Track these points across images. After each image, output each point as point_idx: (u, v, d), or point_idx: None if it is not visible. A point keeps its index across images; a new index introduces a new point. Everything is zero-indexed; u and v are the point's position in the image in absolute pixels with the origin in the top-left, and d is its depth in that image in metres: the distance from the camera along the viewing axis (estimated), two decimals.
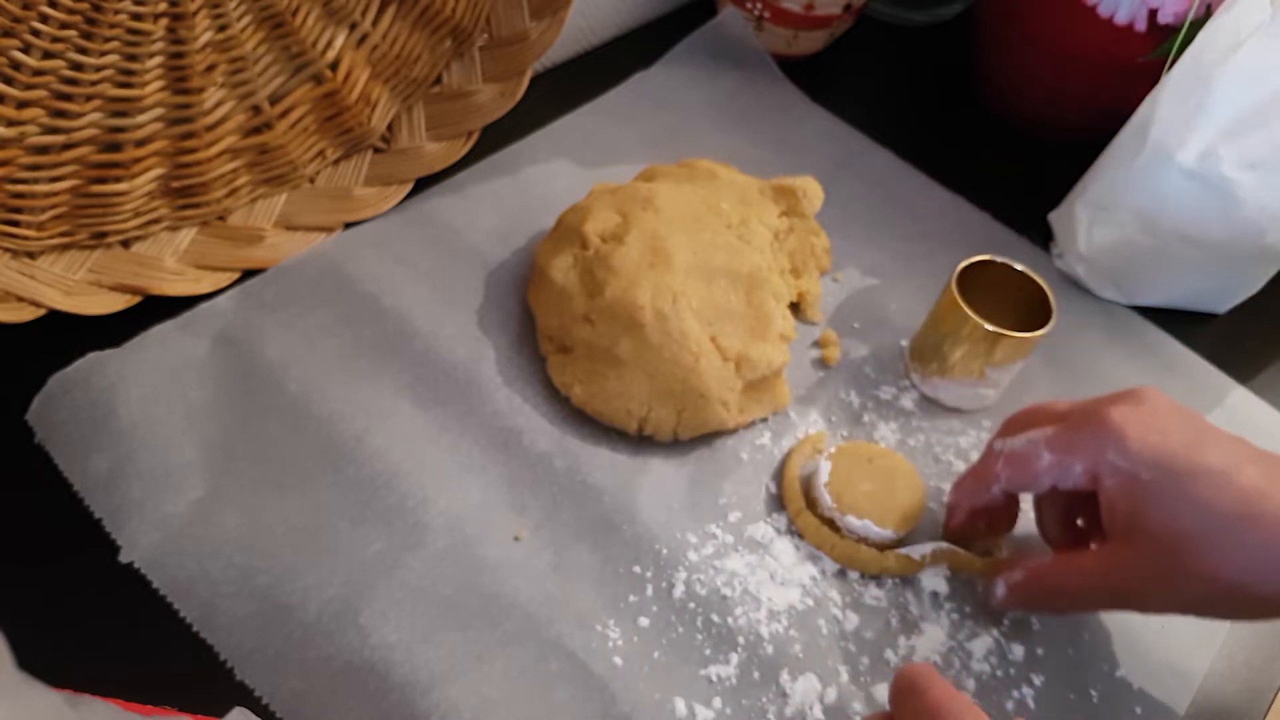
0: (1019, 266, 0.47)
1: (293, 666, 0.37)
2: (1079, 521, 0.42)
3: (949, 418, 0.49)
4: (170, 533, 0.40)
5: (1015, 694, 0.40)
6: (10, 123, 0.42)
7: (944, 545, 0.42)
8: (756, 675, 0.39)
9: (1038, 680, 0.40)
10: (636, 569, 0.41)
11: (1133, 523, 0.36)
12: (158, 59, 0.45)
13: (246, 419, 0.44)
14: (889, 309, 0.53)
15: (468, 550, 0.41)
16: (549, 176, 0.56)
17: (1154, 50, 0.54)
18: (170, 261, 0.48)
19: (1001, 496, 0.40)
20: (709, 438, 0.46)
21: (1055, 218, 0.57)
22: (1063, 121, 0.62)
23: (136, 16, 0.43)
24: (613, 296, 0.44)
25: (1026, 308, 0.47)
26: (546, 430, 0.45)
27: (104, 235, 0.47)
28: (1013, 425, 0.42)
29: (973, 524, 0.42)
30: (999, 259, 0.47)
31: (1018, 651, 0.41)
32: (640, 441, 0.46)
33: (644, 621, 0.40)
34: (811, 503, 0.44)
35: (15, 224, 0.44)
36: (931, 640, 0.41)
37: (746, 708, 0.38)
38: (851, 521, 0.42)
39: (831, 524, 0.43)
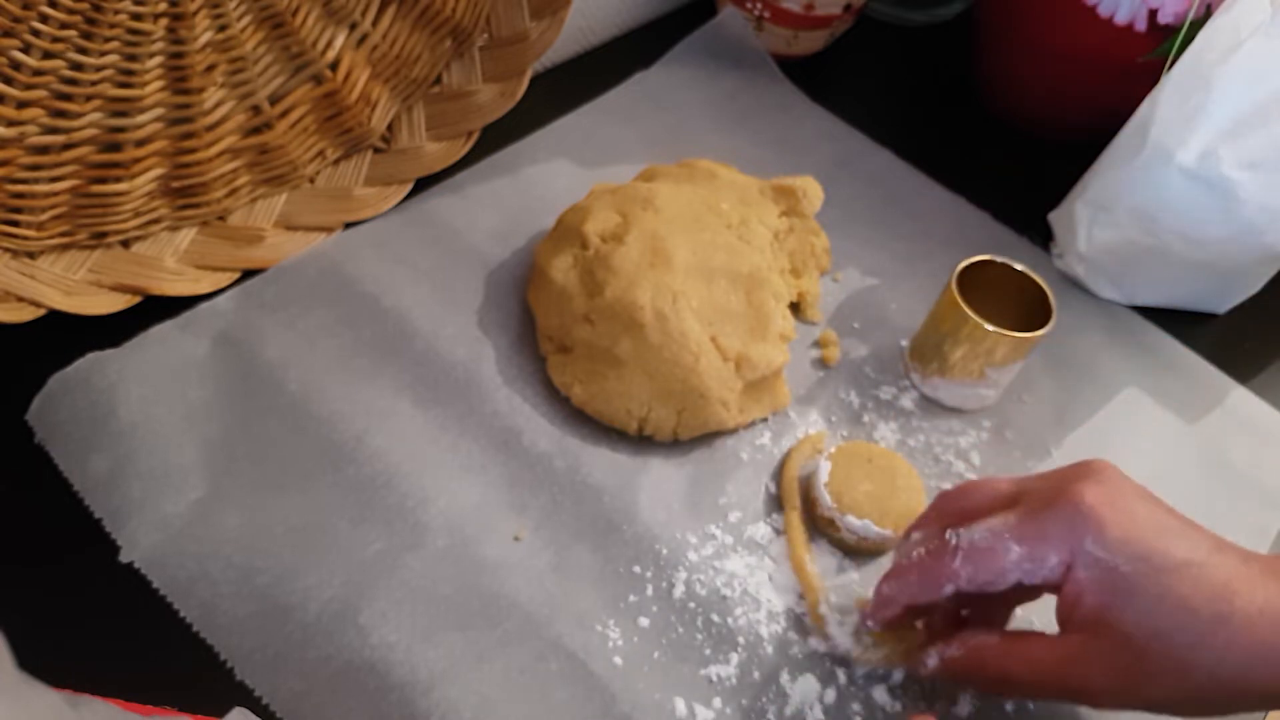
0: (1019, 266, 0.47)
1: (293, 666, 0.37)
2: (964, 613, 0.39)
3: (949, 418, 0.49)
4: (170, 533, 0.40)
5: None
6: (10, 123, 0.42)
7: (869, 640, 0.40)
8: (756, 675, 0.39)
9: None
10: (636, 569, 0.41)
11: (1102, 616, 0.33)
12: (158, 59, 0.45)
13: (246, 419, 0.44)
14: (889, 309, 0.53)
15: (468, 550, 0.41)
16: (549, 176, 0.56)
17: (1154, 50, 0.54)
18: (170, 261, 0.48)
19: (952, 594, 0.36)
20: (709, 438, 0.46)
21: (1055, 218, 0.57)
22: (1063, 121, 0.62)
23: (136, 16, 0.43)
24: (613, 296, 0.44)
25: (1026, 308, 0.47)
26: (546, 430, 0.45)
27: (104, 235, 0.47)
28: (948, 504, 0.38)
29: (905, 620, 0.39)
30: (999, 259, 0.47)
31: None
32: (640, 441, 0.46)
33: (644, 621, 0.40)
34: (811, 502, 0.44)
35: (15, 224, 0.44)
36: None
37: (746, 708, 0.38)
38: (851, 521, 0.42)
39: (831, 524, 0.42)
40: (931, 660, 0.37)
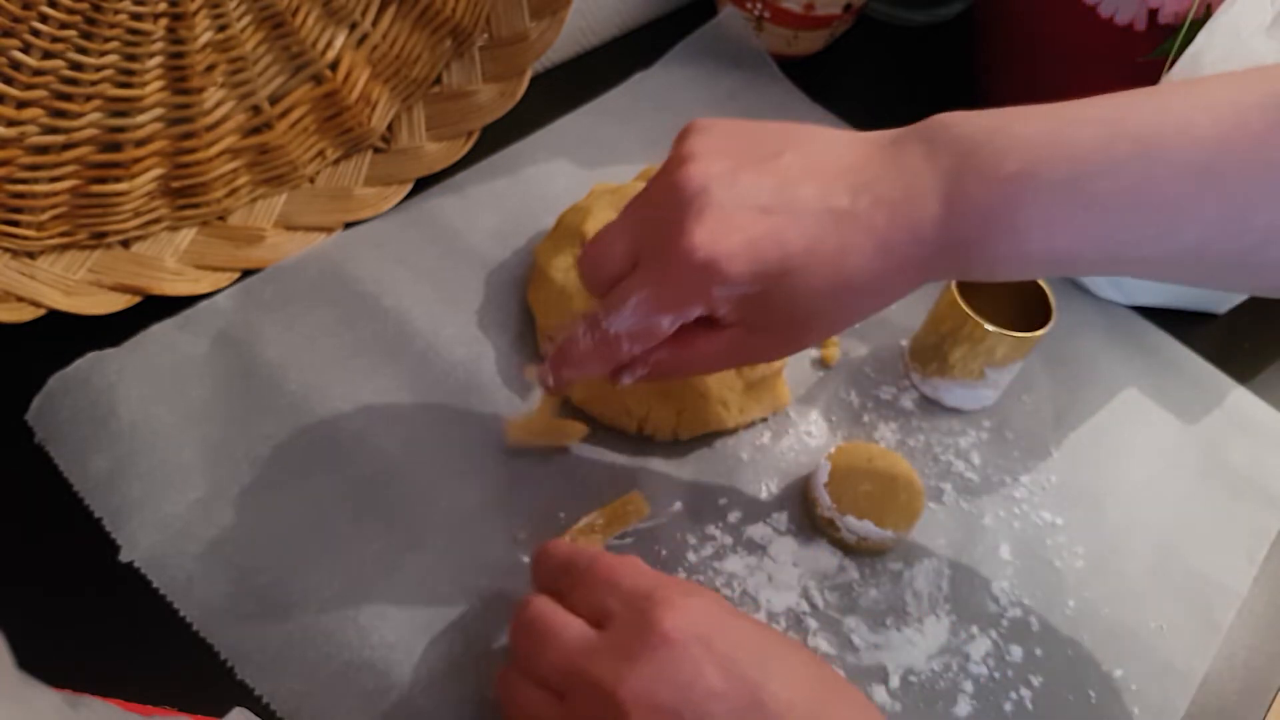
0: None
1: (293, 666, 0.37)
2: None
3: (949, 418, 0.49)
4: (170, 532, 0.40)
5: (1013, 695, 0.40)
6: (10, 123, 0.42)
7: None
8: None
9: (1036, 681, 0.40)
10: None
11: (753, 323, 0.36)
12: (158, 59, 0.45)
13: (246, 419, 0.44)
14: (889, 309, 0.53)
15: (467, 550, 0.41)
16: (549, 176, 0.56)
17: (1154, 50, 0.54)
18: (170, 261, 0.48)
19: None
20: (709, 438, 0.46)
21: None
22: None
23: (136, 16, 0.43)
24: None
25: (1026, 308, 0.47)
26: None
27: (104, 235, 0.47)
28: (586, 271, 0.39)
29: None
30: None
31: (1016, 653, 0.41)
32: (640, 441, 0.46)
33: None
34: (811, 502, 0.44)
35: (15, 224, 0.44)
36: (930, 641, 0.41)
37: None
38: (851, 521, 0.42)
39: (831, 524, 0.42)
40: (626, 379, 0.39)
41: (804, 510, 0.44)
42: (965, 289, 0.46)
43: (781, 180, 0.35)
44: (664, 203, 0.35)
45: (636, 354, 0.37)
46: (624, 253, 0.37)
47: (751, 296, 0.35)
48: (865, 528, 0.42)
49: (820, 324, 0.37)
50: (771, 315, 0.36)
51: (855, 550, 0.43)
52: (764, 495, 0.45)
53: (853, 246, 0.34)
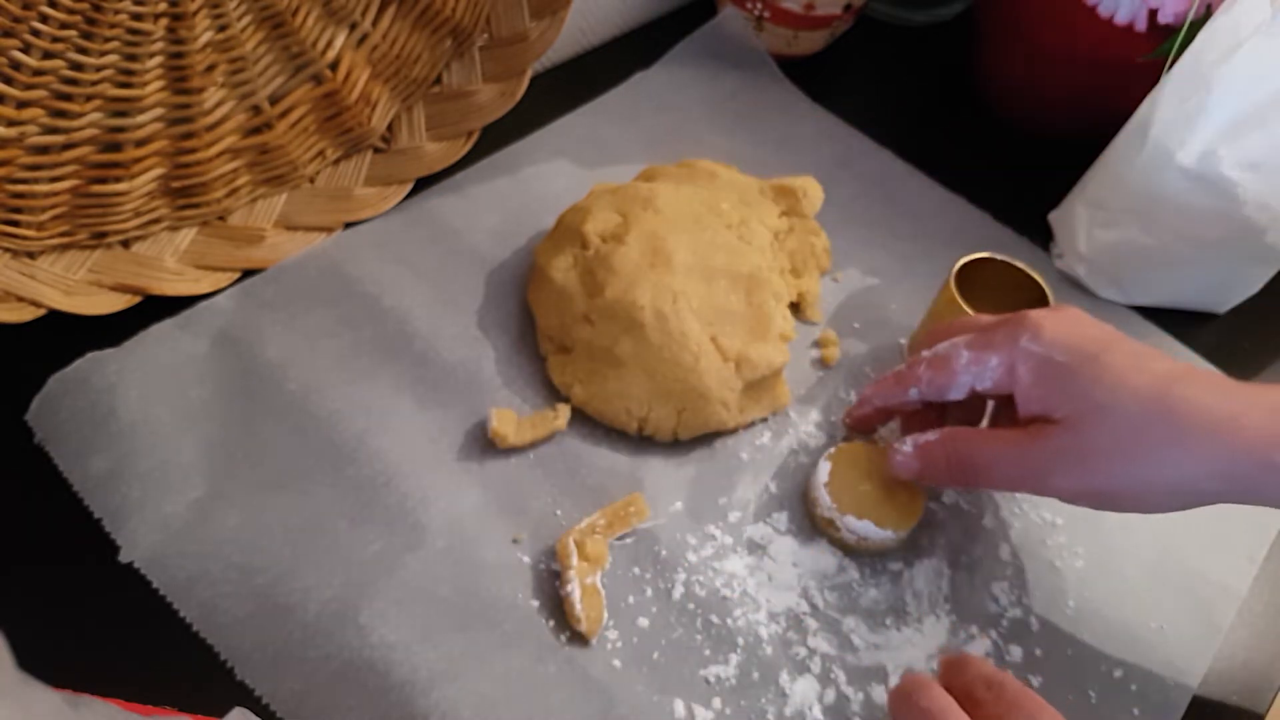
0: (1018, 264, 0.47)
1: (293, 666, 0.37)
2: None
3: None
4: (170, 532, 0.40)
5: None
6: (10, 123, 0.42)
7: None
8: (756, 676, 0.39)
9: (1036, 681, 0.40)
10: (636, 570, 0.41)
11: (1047, 403, 0.37)
12: (158, 59, 0.45)
13: (246, 418, 0.44)
14: (889, 309, 0.53)
15: (467, 551, 0.41)
16: (549, 176, 0.56)
17: (1154, 50, 0.54)
18: (170, 261, 0.48)
19: (917, 401, 0.42)
20: (709, 438, 0.46)
21: (1055, 218, 0.57)
22: (1063, 121, 0.62)
23: (136, 16, 0.43)
24: (613, 296, 0.44)
25: (1025, 306, 0.47)
26: None
27: (104, 235, 0.47)
28: (936, 336, 0.42)
29: (876, 420, 0.45)
30: (998, 256, 0.47)
31: (1016, 652, 0.41)
32: (640, 441, 0.46)
33: (643, 622, 0.40)
34: (811, 503, 0.44)
35: (15, 224, 0.44)
36: (930, 641, 0.41)
37: (745, 709, 0.38)
38: (851, 522, 0.42)
39: (831, 524, 0.42)
40: (906, 446, 0.40)
41: (804, 510, 0.44)
42: (963, 286, 0.46)
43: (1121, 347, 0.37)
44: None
45: (923, 390, 0.40)
46: (982, 323, 0.41)
47: (1054, 370, 0.36)
48: (865, 528, 0.42)
49: (1114, 428, 0.35)
50: (1067, 394, 0.36)
51: (855, 550, 0.43)
52: (764, 495, 0.45)
53: (1179, 379, 0.35)
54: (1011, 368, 0.38)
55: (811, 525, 0.44)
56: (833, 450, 0.44)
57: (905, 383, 0.42)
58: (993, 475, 0.39)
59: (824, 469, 0.43)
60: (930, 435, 0.40)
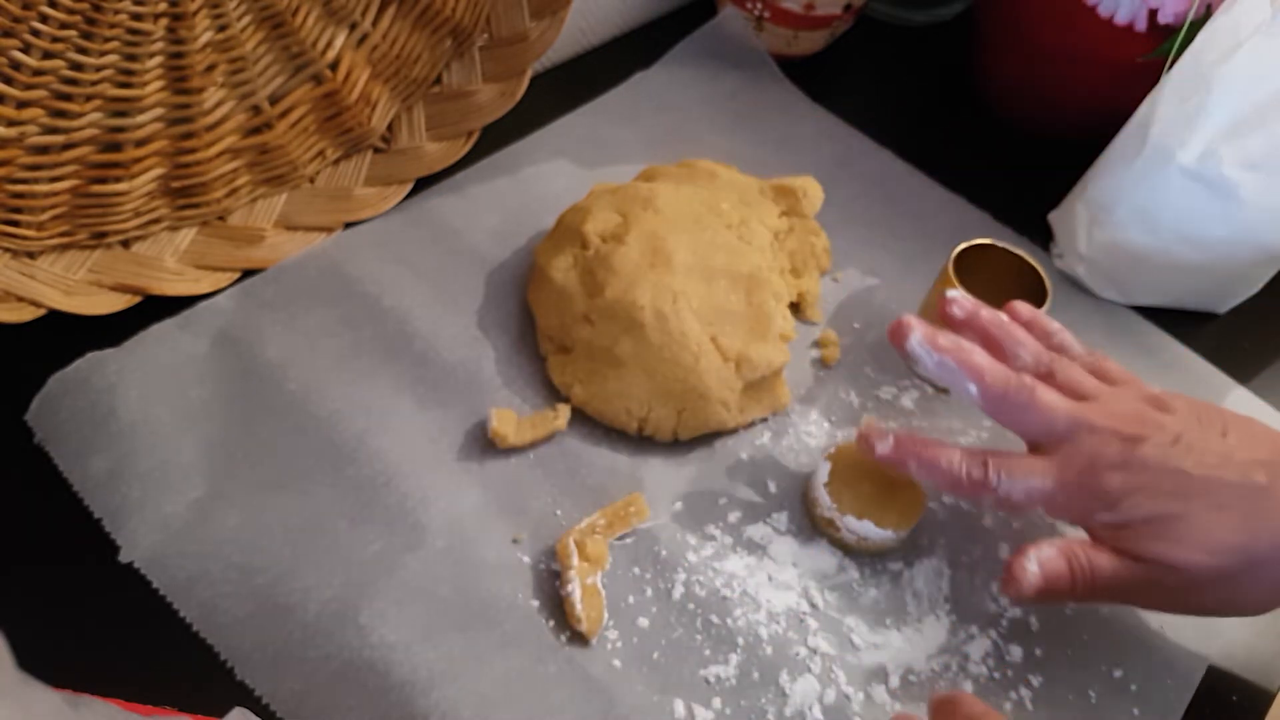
0: (1016, 250, 0.48)
1: (293, 666, 0.37)
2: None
3: (949, 417, 0.49)
4: (170, 532, 0.40)
5: (1013, 695, 0.40)
6: (10, 123, 0.42)
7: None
8: (756, 676, 0.39)
9: (1036, 681, 0.40)
10: (635, 570, 0.41)
11: (1138, 556, 0.37)
12: (158, 59, 0.45)
13: (246, 418, 0.44)
14: (889, 309, 0.53)
15: (467, 551, 0.41)
16: (549, 176, 0.56)
17: (1154, 50, 0.54)
18: (170, 261, 0.48)
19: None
20: (709, 438, 0.46)
21: (1055, 218, 0.57)
22: (1063, 121, 0.62)
23: (136, 16, 0.43)
24: (613, 296, 0.45)
25: (1023, 294, 0.47)
26: None
27: (104, 235, 0.47)
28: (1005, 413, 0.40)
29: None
30: (997, 243, 0.48)
31: (1016, 652, 0.41)
32: (640, 441, 0.46)
33: (643, 622, 0.40)
34: (811, 503, 0.44)
35: (15, 224, 0.44)
36: (930, 641, 0.41)
37: (746, 709, 0.38)
38: (851, 522, 0.42)
39: (831, 524, 0.42)
40: (1032, 565, 0.37)
41: (804, 510, 0.44)
42: (963, 278, 0.46)
43: (1213, 453, 0.37)
44: (1111, 432, 0.38)
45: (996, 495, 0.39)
46: (1054, 445, 0.39)
47: (1138, 531, 0.37)
48: (865, 528, 0.41)
49: (1207, 584, 0.37)
50: (1152, 548, 0.37)
51: (855, 551, 0.43)
52: (764, 495, 0.45)
53: (1251, 513, 0.36)
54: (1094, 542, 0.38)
55: (811, 525, 0.44)
56: (833, 450, 0.44)
57: (969, 490, 0.39)
58: (1101, 599, 0.39)
59: (824, 469, 0.43)
60: (1047, 551, 0.38)
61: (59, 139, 0.43)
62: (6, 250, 0.44)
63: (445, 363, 0.47)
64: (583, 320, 0.46)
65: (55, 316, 0.44)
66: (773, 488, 0.45)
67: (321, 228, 0.52)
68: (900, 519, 0.42)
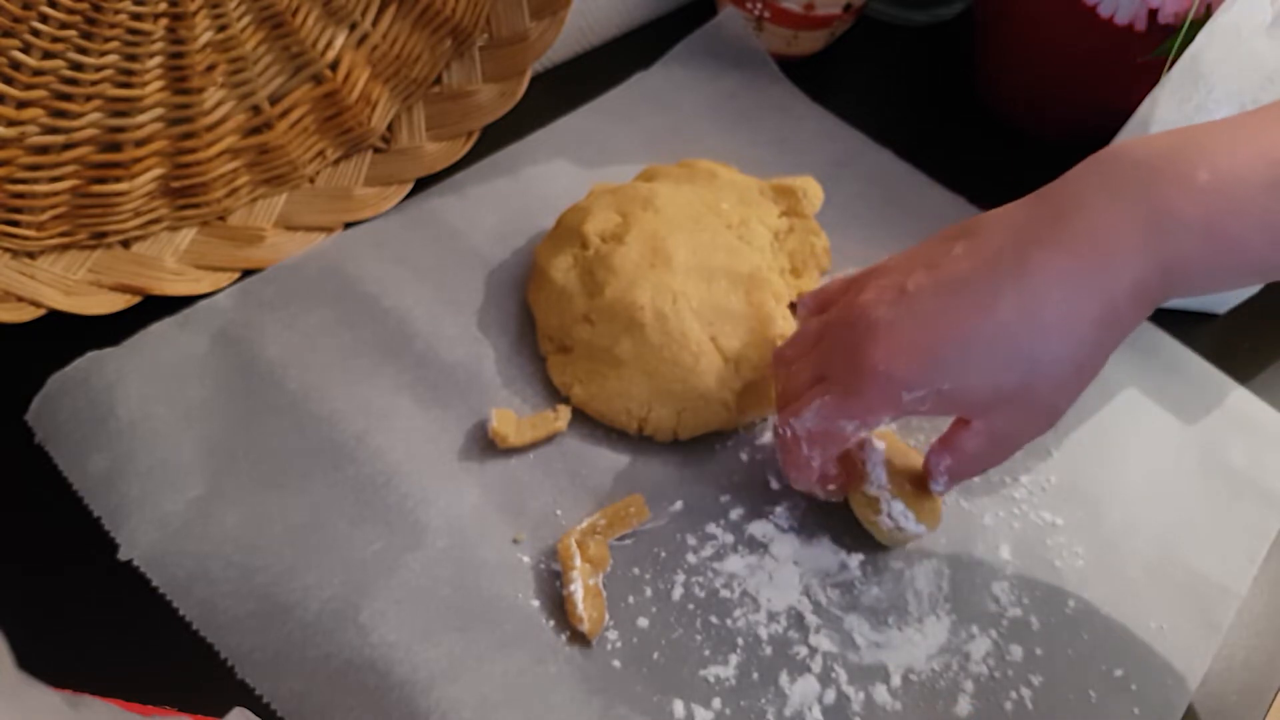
0: None
1: (293, 665, 0.37)
2: None
3: (949, 417, 0.49)
4: (169, 531, 0.40)
5: (1014, 695, 0.40)
6: (10, 123, 0.42)
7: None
8: (756, 676, 0.39)
9: (1036, 681, 0.40)
10: (635, 570, 0.41)
11: (966, 411, 0.37)
12: (158, 59, 0.45)
13: (246, 417, 0.44)
14: None
15: (467, 551, 0.41)
16: (549, 176, 0.56)
17: (1154, 50, 0.54)
18: (170, 261, 0.48)
19: (826, 464, 0.40)
20: (709, 438, 0.46)
21: None
22: (1063, 121, 0.62)
23: (136, 16, 0.43)
24: (613, 296, 0.45)
25: None
26: None
27: (104, 235, 0.47)
28: (779, 364, 0.42)
29: (834, 494, 0.42)
30: None
31: (1016, 652, 0.41)
32: (640, 441, 0.46)
33: (643, 623, 0.40)
34: (859, 477, 0.42)
35: (15, 224, 0.44)
36: (930, 641, 0.41)
37: (745, 709, 0.38)
38: (899, 508, 0.41)
39: (874, 505, 0.41)
40: (941, 477, 0.39)
41: (841, 482, 0.42)
42: None
43: (950, 274, 0.36)
44: (843, 327, 0.38)
45: (822, 461, 0.39)
46: (809, 371, 0.40)
47: (944, 400, 0.36)
48: (905, 517, 0.41)
49: (1041, 391, 0.36)
50: (974, 407, 0.37)
51: (884, 540, 0.42)
52: (764, 495, 0.45)
53: (1031, 307, 0.34)
54: (904, 413, 0.37)
55: (840, 502, 0.43)
56: (881, 431, 0.42)
57: (803, 466, 0.40)
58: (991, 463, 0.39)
59: (879, 446, 0.42)
60: (946, 460, 0.39)
61: (59, 139, 0.43)
62: (6, 250, 0.44)
63: (445, 363, 0.47)
64: (583, 320, 0.46)
65: (55, 316, 0.44)
66: (773, 488, 0.45)
67: (321, 228, 0.52)
68: (932, 517, 0.41)
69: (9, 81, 0.41)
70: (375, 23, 0.52)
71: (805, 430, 0.39)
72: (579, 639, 0.39)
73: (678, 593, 0.41)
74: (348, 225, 0.52)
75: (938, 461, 0.39)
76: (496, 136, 0.56)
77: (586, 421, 0.46)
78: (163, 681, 0.36)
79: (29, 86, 0.41)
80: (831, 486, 0.41)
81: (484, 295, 0.50)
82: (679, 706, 0.38)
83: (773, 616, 0.41)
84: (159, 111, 0.46)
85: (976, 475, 0.41)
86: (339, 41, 0.51)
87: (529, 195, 0.55)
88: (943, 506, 0.43)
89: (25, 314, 0.43)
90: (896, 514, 0.41)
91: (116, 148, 0.46)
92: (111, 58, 0.43)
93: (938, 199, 0.59)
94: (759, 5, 0.63)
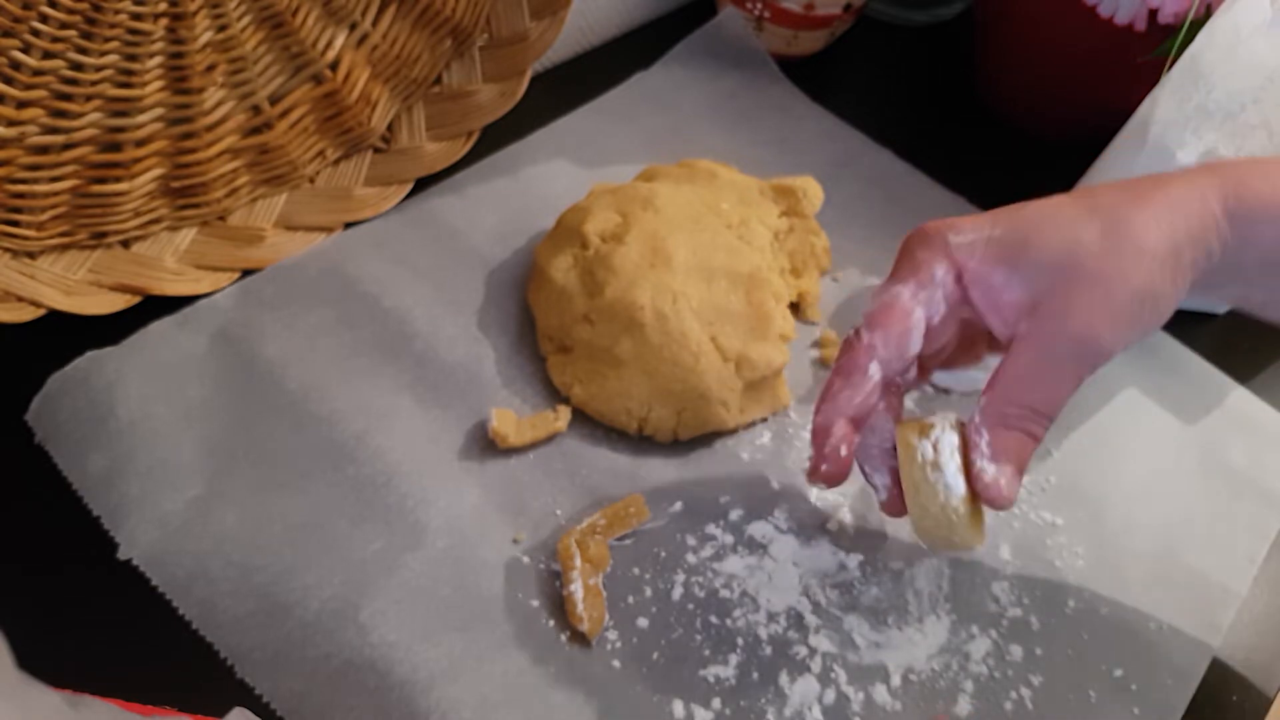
0: None
1: (293, 665, 0.37)
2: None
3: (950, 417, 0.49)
4: (169, 530, 0.40)
5: (1014, 695, 0.40)
6: (10, 123, 0.42)
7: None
8: (755, 676, 0.39)
9: (1036, 681, 0.40)
10: (635, 570, 0.41)
11: (1012, 279, 0.34)
12: (158, 59, 0.45)
13: (246, 417, 0.44)
14: None
15: (467, 551, 0.41)
16: (549, 176, 0.56)
17: (1154, 50, 0.54)
18: (170, 261, 0.48)
19: (877, 391, 0.36)
20: (709, 438, 0.46)
21: None
22: (1063, 121, 0.62)
23: (136, 16, 0.43)
24: (613, 296, 0.45)
25: None
26: None
27: (104, 235, 0.47)
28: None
29: (848, 461, 0.36)
30: None
31: (1016, 652, 0.41)
32: (640, 441, 0.46)
33: (643, 623, 0.40)
34: (929, 486, 0.36)
35: (15, 224, 0.44)
36: (931, 641, 0.41)
37: (745, 709, 0.38)
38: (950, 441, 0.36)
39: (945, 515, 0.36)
40: (990, 470, 0.35)
41: (893, 477, 0.38)
42: None
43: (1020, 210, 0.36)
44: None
45: (883, 359, 0.35)
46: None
47: (999, 249, 0.34)
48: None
49: (1092, 255, 0.33)
50: (1033, 259, 0.34)
51: (936, 548, 0.41)
52: (764, 495, 0.45)
53: (1106, 214, 0.34)
54: (959, 276, 0.35)
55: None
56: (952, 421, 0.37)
57: (857, 362, 0.35)
58: (1060, 398, 0.35)
59: (953, 439, 0.36)
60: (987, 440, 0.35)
61: (59, 139, 0.43)
62: (6, 250, 0.44)
63: (445, 363, 0.47)
64: (583, 320, 0.46)
65: (55, 316, 0.44)
66: (773, 488, 0.45)
67: (321, 228, 0.52)
68: (981, 531, 0.38)
69: (9, 81, 0.41)
70: (375, 23, 0.52)
71: (865, 314, 0.36)
72: (579, 639, 0.39)
73: (677, 593, 0.41)
74: (348, 225, 0.52)
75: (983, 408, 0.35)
76: (496, 136, 0.56)
77: (586, 421, 0.46)
78: (163, 681, 0.36)
79: (29, 86, 0.41)
80: (844, 451, 0.36)
81: (484, 295, 0.50)
82: (679, 706, 0.38)
83: (772, 617, 0.41)
84: (159, 111, 0.46)
85: (1020, 425, 0.35)
86: (339, 41, 0.51)
87: (529, 195, 0.55)
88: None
89: (25, 314, 0.43)
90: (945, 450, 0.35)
91: (116, 148, 0.46)
92: (111, 58, 0.43)
93: (938, 199, 0.59)
94: (759, 5, 0.63)
